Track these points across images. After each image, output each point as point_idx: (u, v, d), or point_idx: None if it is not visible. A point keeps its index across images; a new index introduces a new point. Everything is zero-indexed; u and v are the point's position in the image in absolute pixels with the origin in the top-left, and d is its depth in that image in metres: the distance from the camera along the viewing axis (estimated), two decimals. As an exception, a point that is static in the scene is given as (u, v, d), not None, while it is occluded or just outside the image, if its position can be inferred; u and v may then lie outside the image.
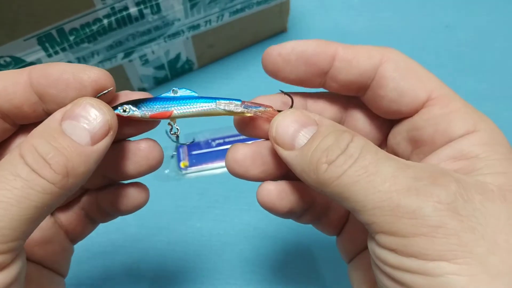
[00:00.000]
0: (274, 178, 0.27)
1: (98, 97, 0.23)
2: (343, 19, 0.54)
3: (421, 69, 0.25)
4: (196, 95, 0.25)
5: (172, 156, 0.45)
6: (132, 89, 0.47)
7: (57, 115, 0.22)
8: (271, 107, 0.25)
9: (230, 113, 0.25)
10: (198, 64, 0.50)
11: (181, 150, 0.46)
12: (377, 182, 0.20)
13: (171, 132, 0.25)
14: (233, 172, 0.26)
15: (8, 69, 0.36)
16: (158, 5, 0.39)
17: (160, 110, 0.24)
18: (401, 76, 0.24)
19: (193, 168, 0.45)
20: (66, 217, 0.29)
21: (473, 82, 0.49)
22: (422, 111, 0.25)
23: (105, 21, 0.37)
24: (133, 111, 0.24)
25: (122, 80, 0.45)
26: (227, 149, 0.48)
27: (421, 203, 0.19)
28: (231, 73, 0.50)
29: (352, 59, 0.24)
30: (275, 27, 0.52)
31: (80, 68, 0.23)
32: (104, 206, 0.28)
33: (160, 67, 0.47)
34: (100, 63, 0.42)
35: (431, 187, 0.19)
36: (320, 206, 0.28)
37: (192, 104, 0.25)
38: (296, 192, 0.26)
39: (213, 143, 0.46)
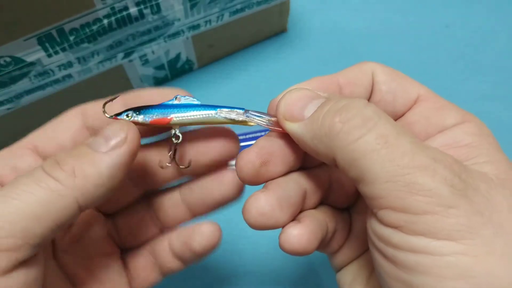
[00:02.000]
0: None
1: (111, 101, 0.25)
2: (343, 19, 0.54)
3: (405, 75, 0.27)
4: (199, 103, 0.25)
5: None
6: (132, 89, 0.47)
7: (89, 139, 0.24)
8: (275, 117, 0.25)
9: (231, 121, 0.25)
10: (198, 64, 0.50)
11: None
12: (396, 155, 0.19)
13: (172, 136, 0.25)
14: (261, 226, 0.24)
15: (8, 69, 0.36)
16: (158, 5, 0.39)
17: (159, 116, 0.25)
18: (391, 79, 0.26)
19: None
20: (135, 261, 0.29)
21: (473, 82, 0.49)
22: (413, 108, 0.26)
23: (105, 21, 0.37)
24: (135, 116, 0.24)
25: (122, 80, 0.45)
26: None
27: (437, 184, 0.19)
28: (231, 73, 0.50)
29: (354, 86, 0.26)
30: (275, 27, 0.52)
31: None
32: (176, 248, 0.28)
33: (160, 67, 0.47)
34: (100, 63, 0.42)
35: (446, 170, 0.19)
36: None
37: (192, 111, 0.25)
38: (319, 224, 0.25)
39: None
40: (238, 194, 0.28)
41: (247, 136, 0.46)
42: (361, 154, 0.20)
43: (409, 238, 0.19)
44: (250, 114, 0.25)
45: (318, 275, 0.41)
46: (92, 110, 0.26)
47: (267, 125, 0.25)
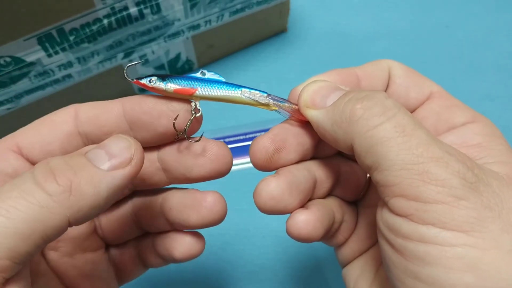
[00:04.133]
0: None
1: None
2: (343, 19, 0.54)
3: (420, 73, 0.27)
4: (224, 80, 0.25)
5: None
6: (132, 89, 0.47)
7: (86, 148, 0.22)
8: (296, 105, 0.25)
9: (254, 102, 0.25)
10: (198, 64, 0.50)
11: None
12: (412, 144, 0.20)
13: (192, 110, 0.24)
14: (270, 210, 0.24)
15: (8, 69, 0.36)
16: (158, 5, 0.39)
17: (185, 86, 0.24)
18: (406, 74, 0.27)
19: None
20: (120, 255, 0.29)
21: (473, 82, 0.49)
22: (425, 104, 0.26)
23: (105, 21, 0.37)
24: (159, 83, 0.24)
25: (122, 80, 0.45)
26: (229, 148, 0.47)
27: (449, 175, 0.19)
28: (231, 73, 0.50)
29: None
30: (275, 27, 0.52)
31: (171, 99, 0.24)
32: (159, 251, 0.28)
33: (160, 67, 0.47)
34: (100, 63, 0.42)
35: (459, 164, 0.20)
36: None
37: (217, 87, 0.25)
38: (326, 211, 0.26)
39: (213, 143, 0.46)
40: (218, 222, 0.26)
41: (247, 137, 0.46)
42: (379, 140, 0.20)
43: (419, 227, 0.19)
44: (272, 98, 0.25)
45: (319, 277, 0.41)
46: (86, 114, 0.24)
47: (287, 110, 0.25)
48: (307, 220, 0.24)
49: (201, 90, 0.24)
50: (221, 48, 0.50)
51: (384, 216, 0.21)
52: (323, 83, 0.24)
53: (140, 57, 0.44)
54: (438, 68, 0.50)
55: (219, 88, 0.25)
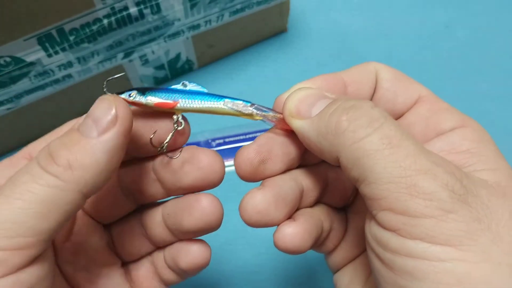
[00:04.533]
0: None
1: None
2: (343, 19, 0.54)
3: (408, 76, 0.27)
4: (206, 91, 0.25)
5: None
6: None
7: (80, 119, 0.23)
8: (281, 113, 0.24)
9: (237, 113, 0.25)
10: (198, 64, 0.50)
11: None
12: (399, 157, 0.19)
13: (174, 123, 0.24)
14: (256, 224, 0.24)
15: (8, 69, 0.36)
16: (158, 5, 0.39)
17: (166, 100, 0.24)
18: (393, 78, 0.26)
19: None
20: (136, 271, 0.29)
21: (473, 82, 0.49)
22: (413, 108, 0.26)
23: (105, 21, 0.37)
24: (139, 97, 0.23)
25: (122, 80, 0.45)
26: (227, 149, 0.48)
27: (438, 188, 0.19)
28: (231, 73, 0.50)
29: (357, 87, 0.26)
30: (275, 27, 0.52)
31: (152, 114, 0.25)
32: (168, 263, 0.27)
33: (160, 67, 0.47)
34: (100, 63, 0.42)
35: (448, 175, 0.19)
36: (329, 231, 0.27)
37: (199, 99, 0.24)
38: (314, 223, 0.25)
39: (213, 143, 0.46)
40: (213, 225, 0.26)
41: (247, 136, 0.46)
42: (365, 153, 0.20)
43: (407, 242, 0.19)
44: (256, 107, 0.25)
45: (317, 276, 0.41)
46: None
47: (272, 120, 0.25)
48: (294, 233, 0.24)
49: (183, 102, 0.24)
50: (221, 48, 0.50)
51: (372, 229, 0.21)
52: (308, 91, 0.24)
53: (140, 57, 0.44)
54: (438, 68, 0.50)
55: (201, 100, 0.24)
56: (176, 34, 0.44)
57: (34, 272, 0.20)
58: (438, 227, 0.19)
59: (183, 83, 0.25)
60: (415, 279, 0.19)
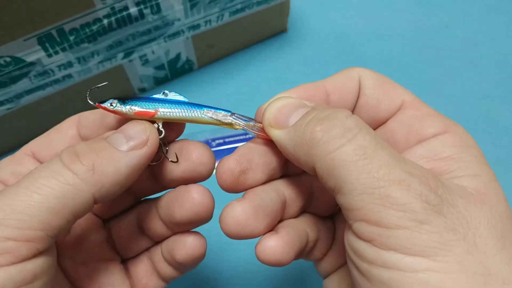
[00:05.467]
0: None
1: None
2: (343, 19, 0.54)
3: (393, 81, 0.26)
4: (186, 100, 0.25)
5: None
6: (132, 89, 0.47)
7: (107, 133, 0.24)
8: (261, 123, 0.25)
9: (216, 122, 0.25)
10: (198, 64, 0.50)
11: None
12: (372, 167, 0.19)
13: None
14: (237, 236, 0.24)
15: (8, 69, 0.36)
16: (158, 5, 0.39)
17: (145, 109, 0.24)
18: (376, 84, 0.26)
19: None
20: (135, 267, 0.29)
21: (473, 82, 0.49)
22: (396, 115, 0.25)
23: (105, 21, 0.37)
24: (120, 106, 0.24)
25: (122, 80, 0.45)
26: (227, 149, 0.48)
27: (411, 199, 0.19)
28: (231, 73, 0.50)
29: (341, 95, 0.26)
30: (275, 27, 0.52)
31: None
32: (165, 256, 0.28)
33: (160, 67, 0.47)
34: (100, 63, 0.42)
35: (422, 186, 0.19)
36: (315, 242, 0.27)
37: (178, 108, 0.25)
38: (297, 235, 0.25)
39: (213, 143, 0.46)
40: (203, 215, 0.26)
41: (247, 136, 0.46)
42: (339, 164, 0.20)
43: (382, 253, 0.19)
44: (236, 117, 0.25)
45: (317, 275, 0.41)
46: (84, 119, 0.26)
47: (252, 130, 0.25)
48: (275, 246, 0.24)
49: (162, 111, 0.24)
50: (221, 48, 0.50)
51: (349, 239, 0.21)
52: (286, 100, 0.24)
53: (140, 57, 0.44)
54: (438, 68, 0.50)
55: (181, 109, 0.25)
56: (176, 34, 0.44)
57: (38, 264, 0.21)
58: (412, 238, 0.18)
59: (163, 92, 0.25)
60: None
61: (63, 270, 0.27)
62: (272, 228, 0.25)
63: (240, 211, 0.24)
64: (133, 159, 0.22)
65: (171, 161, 0.25)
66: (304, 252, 0.26)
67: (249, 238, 0.24)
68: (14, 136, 0.45)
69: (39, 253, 0.21)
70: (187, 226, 0.27)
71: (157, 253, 0.28)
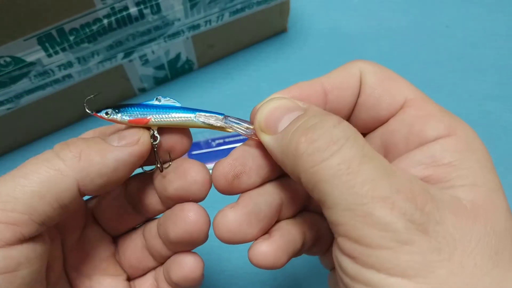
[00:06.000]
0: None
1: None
2: (343, 19, 0.54)
3: (397, 76, 0.25)
4: (179, 105, 0.25)
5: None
6: (132, 89, 0.47)
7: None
8: (253, 128, 0.25)
9: (209, 126, 0.25)
10: (198, 64, 0.50)
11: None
12: (356, 183, 0.19)
13: (150, 137, 0.25)
14: (229, 241, 0.24)
15: (8, 69, 0.36)
16: (158, 5, 0.39)
17: (138, 116, 0.25)
18: (378, 81, 0.24)
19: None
20: (140, 286, 0.29)
21: (473, 82, 0.49)
22: (398, 114, 0.24)
23: (105, 21, 0.37)
24: (114, 115, 0.25)
25: (122, 80, 0.45)
26: (227, 149, 0.48)
27: (394, 218, 0.18)
28: (231, 73, 0.50)
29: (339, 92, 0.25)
30: (275, 27, 0.52)
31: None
32: (164, 275, 0.28)
33: (160, 67, 0.47)
34: (100, 63, 0.42)
35: (407, 203, 0.19)
36: (315, 239, 0.27)
37: (170, 113, 0.25)
38: (290, 239, 0.25)
39: (213, 143, 0.46)
40: (196, 235, 0.25)
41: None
42: (323, 178, 0.19)
43: (364, 271, 0.19)
44: (229, 120, 0.25)
45: (317, 275, 0.41)
46: (104, 129, 0.27)
47: (245, 133, 0.25)
48: (267, 251, 0.24)
49: (155, 118, 0.25)
50: (221, 48, 0.50)
51: (335, 252, 0.21)
52: (279, 102, 0.23)
53: (140, 57, 0.44)
54: (438, 68, 0.50)
55: (173, 114, 0.25)
56: (176, 34, 0.44)
57: (23, 251, 0.21)
58: (393, 258, 0.18)
59: (157, 98, 0.26)
60: None
61: (69, 282, 0.27)
62: (266, 231, 0.25)
63: (233, 218, 0.24)
64: (121, 154, 0.23)
65: (158, 167, 0.26)
66: (300, 253, 0.26)
67: (243, 243, 0.24)
68: (14, 136, 0.45)
69: (24, 240, 0.21)
70: (182, 246, 0.26)
71: (161, 273, 0.28)
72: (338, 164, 0.19)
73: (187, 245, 0.26)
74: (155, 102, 0.25)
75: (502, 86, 0.49)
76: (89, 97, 0.25)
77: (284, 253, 0.24)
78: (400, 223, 0.18)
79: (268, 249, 0.24)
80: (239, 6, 0.44)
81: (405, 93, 0.24)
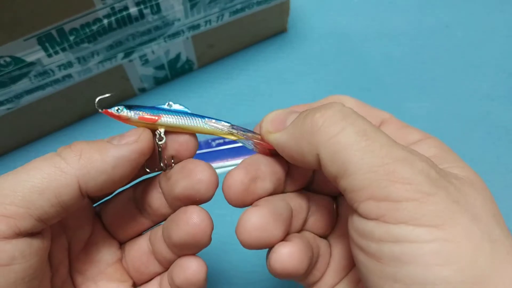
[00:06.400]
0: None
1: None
2: (343, 19, 0.54)
3: (371, 106, 0.28)
4: (189, 111, 0.26)
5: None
6: (132, 89, 0.47)
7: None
8: (259, 134, 0.26)
9: (217, 132, 0.26)
10: (198, 64, 0.50)
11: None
12: (375, 147, 0.20)
13: (157, 138, 0.26)
14: (256, 241, 0.24)
15: (8, 69, 0.36)
16: (158, 5, 0.39)
17: (149, 115, 0.26)
18: (357, 106, 0.27)
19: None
20: None
21: (473, 82, 0.49)
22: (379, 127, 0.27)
23: (105, 21, 0.37)
24: (125, 111, 0.25)
25: (122, 80, 0.45)
26: (227, 149, 0.48)
27: (415, 173, 0.20)
28: (231, 73, 0.50)
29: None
30: (275, 27, 0.52)
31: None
32: (168, 280, 0.28)
33: (160, 67, 0.47)
34: (100, 63, 0.42)
35: (423, 163, 0.20)
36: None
37: (180, 116, 0.26)
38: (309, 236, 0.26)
39: (213, 143, 0.46)
40: (198, 237, 0.25)
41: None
42: (342, 147, 0.20)
43: (392, 227, 0.19)
44: (236, 128, 0.26)
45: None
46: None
47: (252, 139, 0.26)
48: (291, 252, 0.24)
49: (165, 118, 0.26)
50: (221, 48, 0.50)
51: (355, 224, 0.21)
52: (279, 110, 0.25)
53: (140, 57, 0.44)
54: (438, 68, 0.50)
55: (183, 117, 0.26)
56: (176, 34, 0.44)
57: (18, 246, 0.21)
58: (420, 209, 0.19)
59: (168, 103, 0.26)
60: (404, 264, 0.19)
61: (74, 286, 0.27)
62: (286, 235, 0.25)
63: (259, 216, 0.23)
64: (121, 151, 0.23)
65: (162, 168, 0.26)
66: (309, 268, 0.26)
67: (267, 246, 0.24)
68: (14, 136, 0.45)
69: (20, 234, 0.21)
70: (186, 249, 0.26)
71: (166, 278, 0.28)
72: (355, 132, 0.21)
73: (191, 248, 0.26)
74: (166, 107, 0.26)
75: (502, 86, 0.49)
76: (101, 97, 0.25)
77: (306, 256, 0.24)
78: (421, 177, 0.20)
79: (291, 250, 0.24)
80: (239, 6, 0.45)
81: (381, 115, 0.27)
